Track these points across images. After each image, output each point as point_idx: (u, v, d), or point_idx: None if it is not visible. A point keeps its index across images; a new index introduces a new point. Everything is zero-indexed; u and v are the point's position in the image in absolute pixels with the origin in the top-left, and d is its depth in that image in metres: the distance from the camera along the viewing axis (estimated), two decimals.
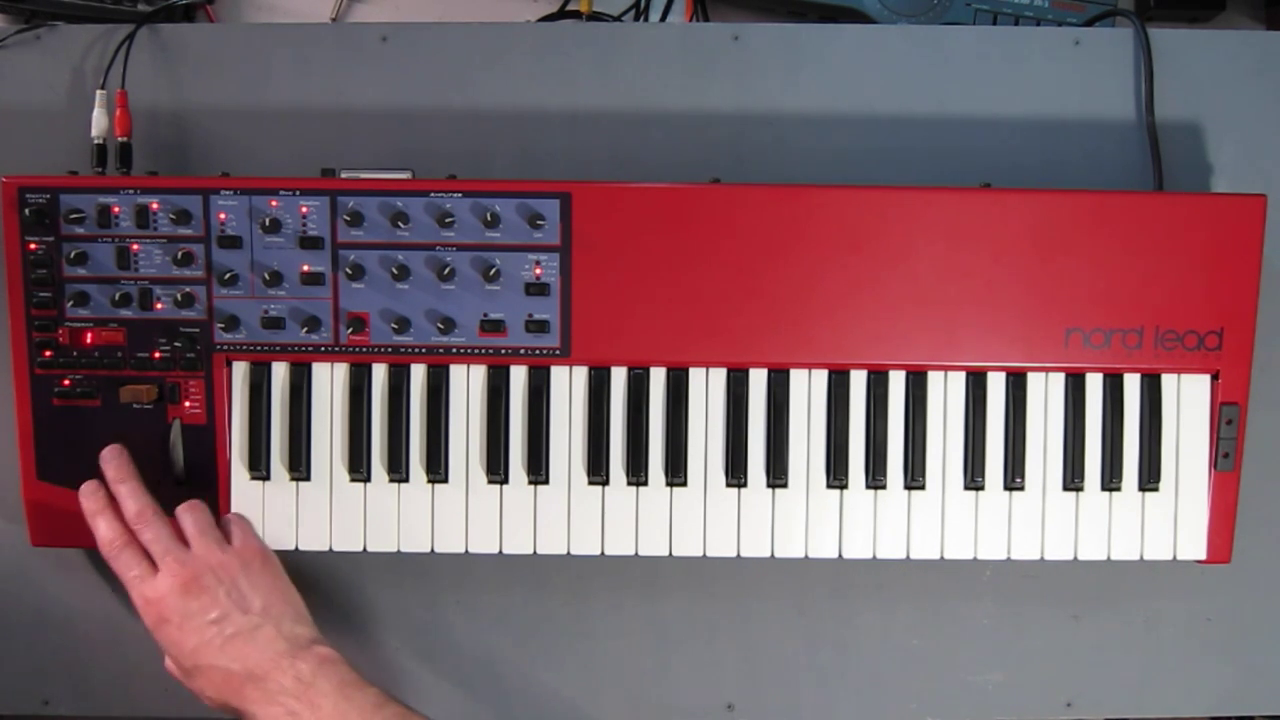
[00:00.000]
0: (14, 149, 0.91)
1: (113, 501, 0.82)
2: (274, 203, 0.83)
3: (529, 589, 0.92)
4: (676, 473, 0.85)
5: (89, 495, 0.83)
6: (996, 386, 0.86)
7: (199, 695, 0.79)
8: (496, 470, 0.85)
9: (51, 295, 0.84)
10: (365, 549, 0.86)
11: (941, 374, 0.86)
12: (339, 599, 0.92)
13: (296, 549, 0.86)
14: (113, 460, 0.83)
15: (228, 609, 0.78)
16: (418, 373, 0.86)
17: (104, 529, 0.81)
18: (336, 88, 0.92)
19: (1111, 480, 0.86)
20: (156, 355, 0.84)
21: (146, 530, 0.81)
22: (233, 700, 0.77)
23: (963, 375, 0.86)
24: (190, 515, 0.82)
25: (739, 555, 0.86)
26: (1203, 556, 0.86)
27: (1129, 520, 0.86)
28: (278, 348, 0.85)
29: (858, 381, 0.86)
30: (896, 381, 0.86)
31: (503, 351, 0.85)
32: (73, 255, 0.83)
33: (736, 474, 0.85)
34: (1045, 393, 0.86)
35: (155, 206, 0.83)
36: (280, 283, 0.84)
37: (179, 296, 0.84)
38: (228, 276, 0.84)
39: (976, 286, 0.84)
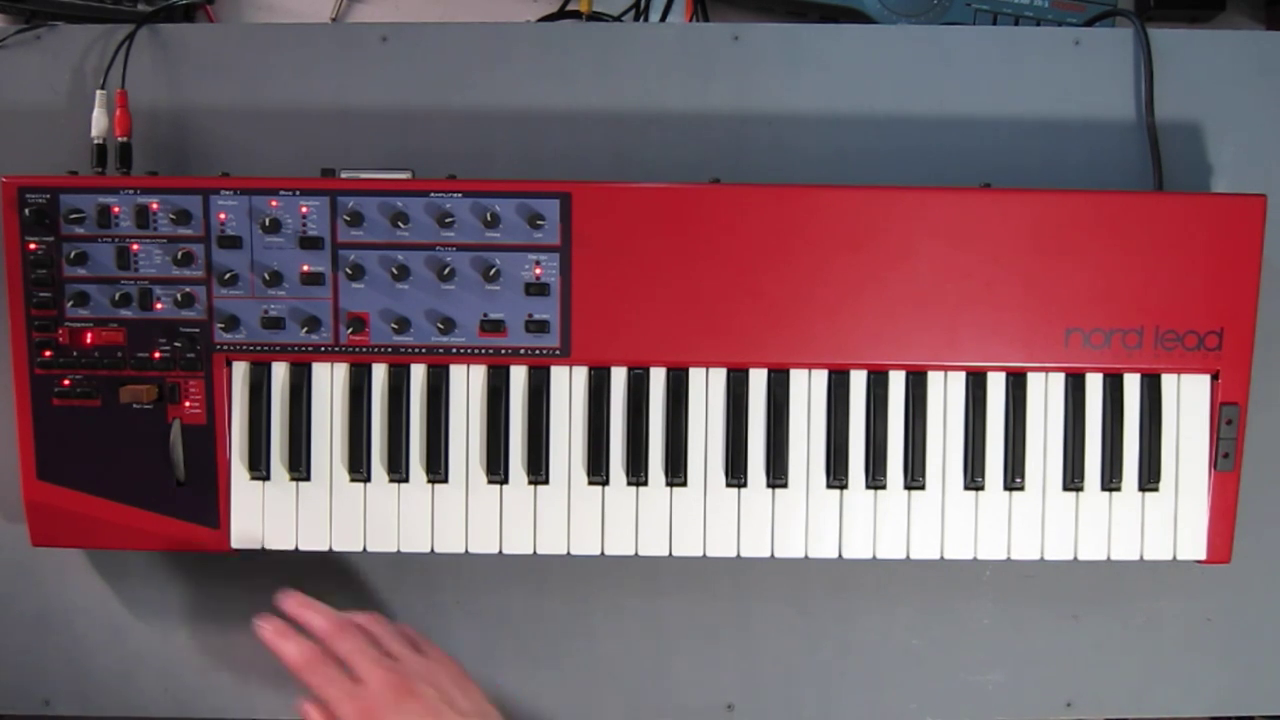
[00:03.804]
0: (14, 149, 0.91)
1: (286, 627, 0.79)
2: (274, 203, 0.83)
3: (529, 589, 0.92)
4: (676, 473, 0.85)
5: (269, 625, 0.79)
6: (996, 386, 0.86)
7: None
8: (496, 470, 0.85)
9: (51, 295, 0.83)
10: (365, 549, 0.86)
11: (941, 374, 0.86)
12: (339, 599, 0.92)
13: (296, 549, 0.86)
14: (291, 597, 0.81)
15: (442, 711, 0.75)
16: (418, 373, 0.86)
17: (295, 648, 0.77)
18: (336, 88, 0.92)
19: (1111, 480, 0.86)
20: (156, 355, 0.84)
21: (345, 641, 0.78)
22: None
23: (963, 375, 0.86)
24: (378, 626, 0.81)
25: (739, 555, 0.86)
26: (1203, 556, 0.86)
27: (1129, 520, 0.86)
28: (278, 348, 0.85)
29: (858, 381, 0.86)
30: (896, 381, 0.86)
31: (503, 351, 0.85)
32: (73, 255, 0.83)
33: (736, 474, 0.85)
34: (1045, 393, 0.86)
35: (155, 206, 0.83)
36: (280, 283, 0.84)
37: (179, 296, 0.84)
38: (228, 276, 0.84)
39: (976, 286, 0.84)
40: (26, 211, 0.83)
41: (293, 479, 0.86)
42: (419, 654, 0.80)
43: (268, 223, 0.83)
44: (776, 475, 0.85)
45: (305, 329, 0.84)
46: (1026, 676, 0.93)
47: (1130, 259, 0.84)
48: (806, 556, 0.86)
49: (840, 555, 0.86)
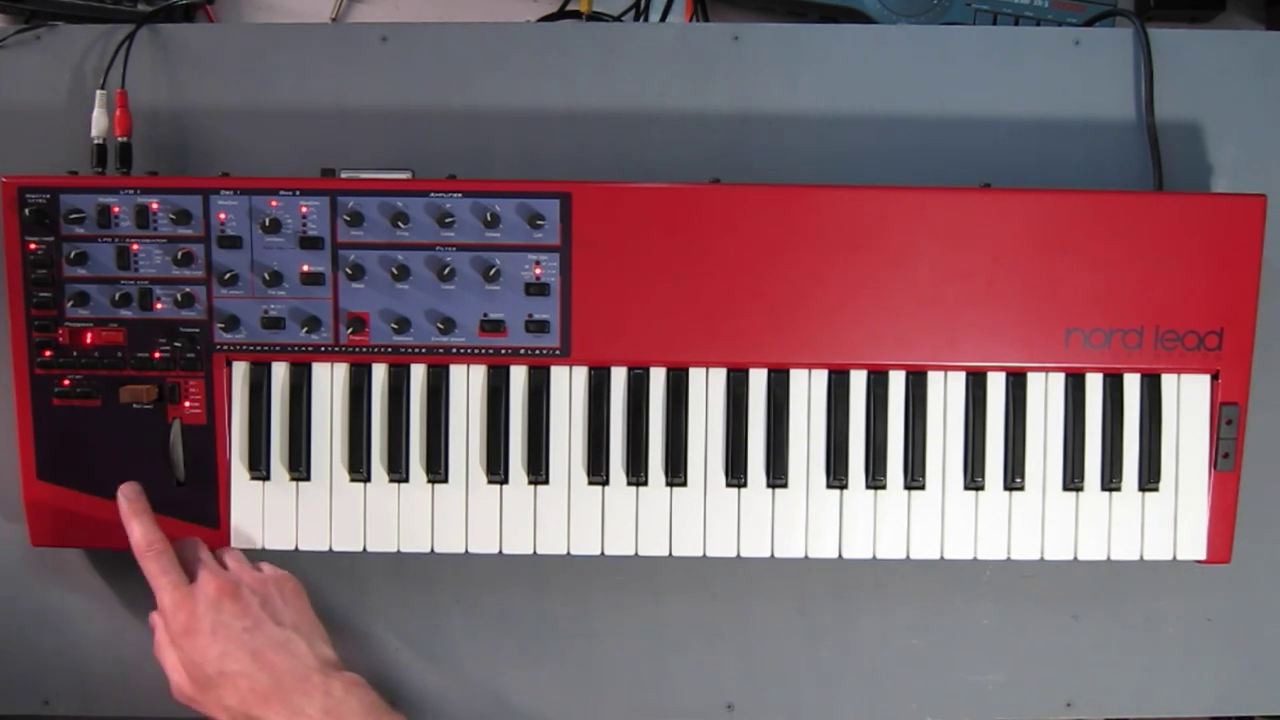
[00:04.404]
0: (14, 149, 0.91)
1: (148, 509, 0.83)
2: (274, 203, 0.83)
3: (529, 589, 0.92)
4: (676, 473, 0.85)
5: (131, 497, 0.83)
6: (996, 386, 0.86)
7: (213, 710, 0.78)
8: (496, 470, 0.85)
9: (51, 295, 0.83)
10: (365, 549, 0.86)
11: (941, 374, 0.86)
12: (339, 599, 0.92)
13: (296, 549, 0.86)
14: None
15: (261, 619, 0.79)
16: (418, 373, 0.86)
17: (141, 530, 0.81)
18: (336, 88, 0.92)
19: (1111, 480, 0.86)
20: (156, 355, 0.84)
21: (189, 546, 0.83)
22: (255, 710, 0.76)
23: (963, 375, 0.86)
24: (228, 550, 0.85)
25: (739, 555, 0.86)
26: (1203, 556, 0.86)
27: (1129, 520, 0.86)
28: (278, 348, 0.85)
29: (858, 381, 0.86)
30: (896, 381, 0.86)
31: (503, 351, 0.85)
32: (73, 255, 0.83)
33: (736, 474, 0.85)
34: (1045, 393, 0.86)
35: (155, 206, 0.83)
36: (280, 283, 0.84)
37: (179, 296, 0.84)
38: (228, 276, 0.84)
39: (976, 286, 0.84)
40: (26, 211, 0.83)
41: (293, 479, 0.86)
42: (256, 570, 0.84)
43: (268, 223, 0.83)
44: (776, 475, 0.85)
45: (305, 329, 0.84)
46: (1026, 676, 0.93)
47: (1130, 259, 0.84)
48: (806, 556, 0.86)
49: (840, 555, 0.86)
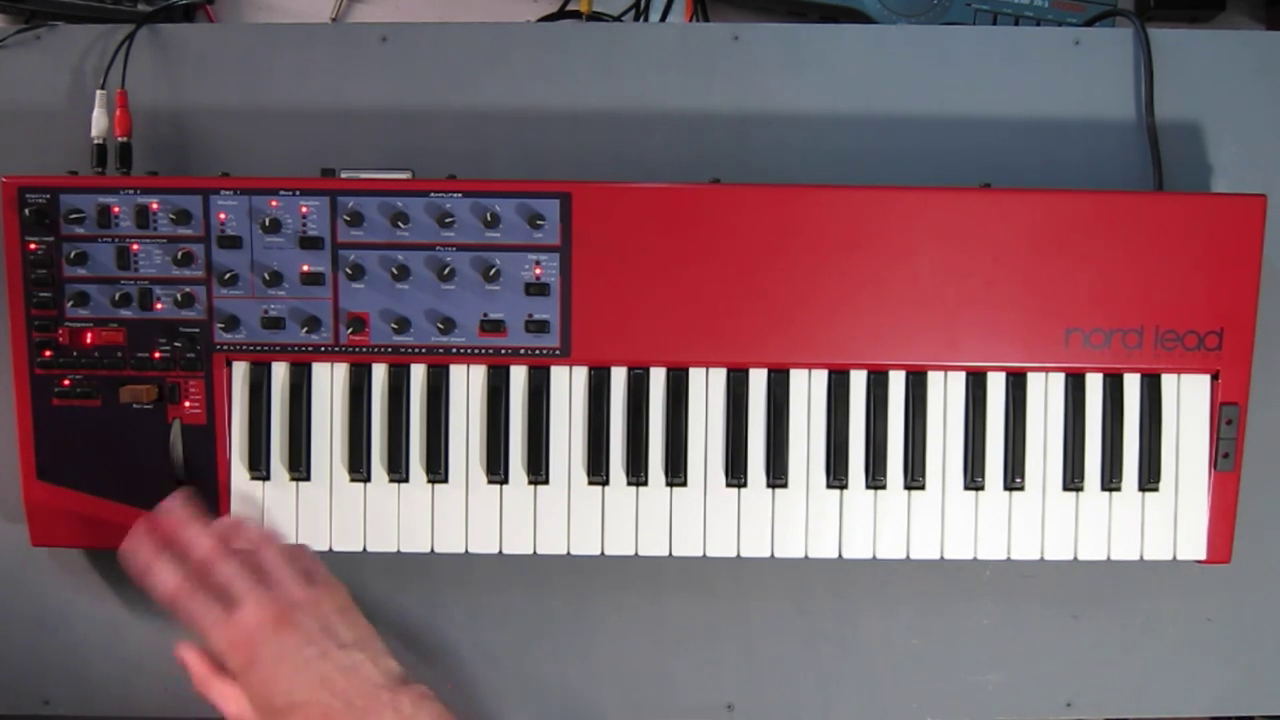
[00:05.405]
0: (14, 149, 0.91)
1: (160, 549, 0.77)
2: (274, 203, 0.83)
3: (529, 589, 0.92)
4: (676, 473, 0.85)
5: (134, 554, 0.77)
6: (996, 386, 0.86)
7: None
8: (496, 470, 0.85)
9: (51, 295, 0.84)
10: (365, 549, 0.86)
11: (941, 374, 0.86)
12: None
13: None
14: (173, 508, 0.80)
15: (323, 644, 0.74)
16: (418, 373, 0.86)
17: (166, 577, 0.76)
18: (336, 88, 0.92)
19: (1111, 480, 0.86)
20: (156, 355, 0.84)
21: (224, 567, 0.76)
22: None
23: (963, 375, 0.86)
24: (266, 551, 0.78)
25: (739, 555, 0.86)
26: (1203, 556, 0.86)
27: (1129, 520, 0.86)
28: (278, 348, 0.85)
29: (858, 381, 0.86)
30: (896, 381, 0.86)
31: (503, 351, 0.85)
32: (73, 255, 0.83)
33: (736, 474, 0.85)
34: (1045, 393, 0.86)
35: (155, 206, 0.83)
36: (280, 283, 0.84)
37: (179, 296, 0.84)
38: (228, 276, 0.84)
39: (976, 286, 0.84)
40: (26, 211, 0.83)
41: (293, 479, 0.86)
42: (306, 583, 0.77)
43: (268, 223, 0.83)
44: (776, 475, 0.85)
45: (305, 329, 0.84)
46: (1026, 676, 0.93)
47: (1130, 259, 0.84)
48: (806, 556, 0.86)
49: (840, 555, 0.86)
